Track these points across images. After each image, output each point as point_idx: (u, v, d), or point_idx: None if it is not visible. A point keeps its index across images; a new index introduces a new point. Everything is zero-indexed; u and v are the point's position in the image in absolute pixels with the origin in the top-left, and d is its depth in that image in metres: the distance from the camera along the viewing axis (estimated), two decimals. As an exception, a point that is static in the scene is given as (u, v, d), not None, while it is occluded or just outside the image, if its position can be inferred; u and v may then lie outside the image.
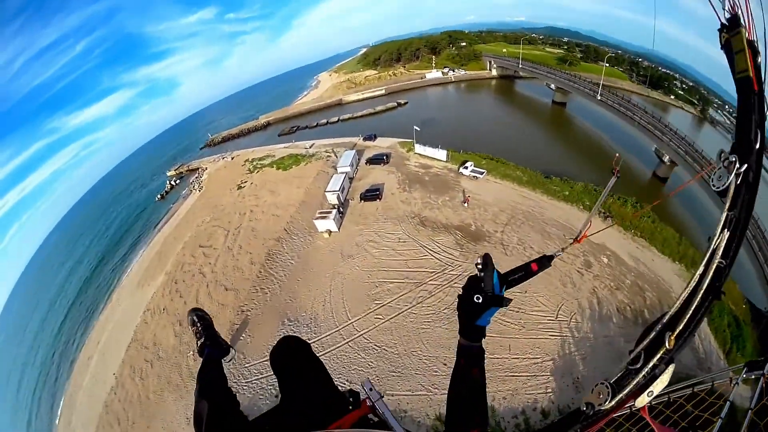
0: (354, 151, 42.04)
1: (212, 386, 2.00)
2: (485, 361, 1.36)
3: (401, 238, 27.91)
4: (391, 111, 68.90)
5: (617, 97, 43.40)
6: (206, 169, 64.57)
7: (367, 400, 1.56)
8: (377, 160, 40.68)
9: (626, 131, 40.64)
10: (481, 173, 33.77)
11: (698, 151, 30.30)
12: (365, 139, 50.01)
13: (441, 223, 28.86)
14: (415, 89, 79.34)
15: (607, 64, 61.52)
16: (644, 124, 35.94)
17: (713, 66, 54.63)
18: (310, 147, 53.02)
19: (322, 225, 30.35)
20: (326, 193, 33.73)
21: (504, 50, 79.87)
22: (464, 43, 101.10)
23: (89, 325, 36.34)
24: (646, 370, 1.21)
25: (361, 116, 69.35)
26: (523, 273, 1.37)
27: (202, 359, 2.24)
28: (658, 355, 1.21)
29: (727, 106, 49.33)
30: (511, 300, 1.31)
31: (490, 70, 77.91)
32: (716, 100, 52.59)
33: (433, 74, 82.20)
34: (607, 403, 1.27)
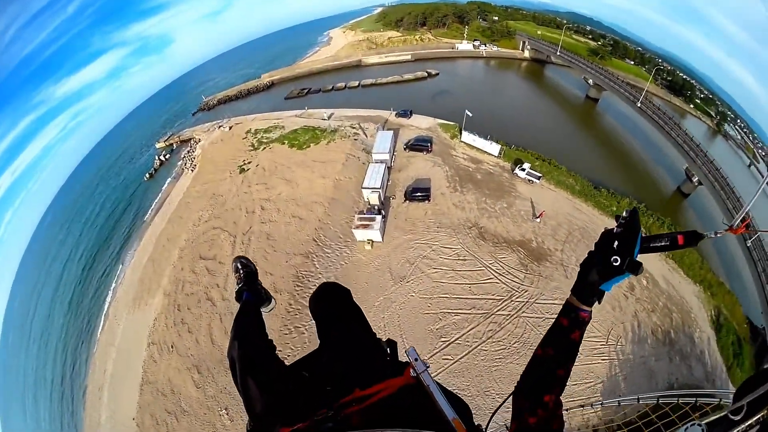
0: (392, 132, 32.89)
1: (247, 331, 1.83)
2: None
3: (460, 255, 23.00)
4: (421, 81, 58.51)
5: (654, 107, 40.80)
6: (199, 141, 54.32)
7: (410, 370, 1.37)
8: (419, 146, 32.84)
9: (655, 138, 39.16)
10: (537, 178, 28.93)
11: (725, 177, 30.04)
12: (399, 115, 40.89)
13: (502, 237, 24.51)
14: (444, 59, 69.51)
15: (633, 62, 65.03)
16: (680, 143, 34.45)
17: (731, 81, 61.69)
18: (329, 117, 42.61)
19: (363, 234, 23.47)
20: (364, 191, 25.62)
21: (538, 32, 73.61)
22: (496, 18, 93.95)
23: (91, 345, 31.30)
24: (746, 425, 1.05)
25: (386, 83, 58.48)
26: (668, 243, 1.17)
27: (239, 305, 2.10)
28: (764, 412, 1.05)
29: (739, 120, 51.30)
30: (643, 270, 1.08)
31: (523, 50, 69.89)
32: (730, 114, 53.54)
33: (464, 46, 73.33)
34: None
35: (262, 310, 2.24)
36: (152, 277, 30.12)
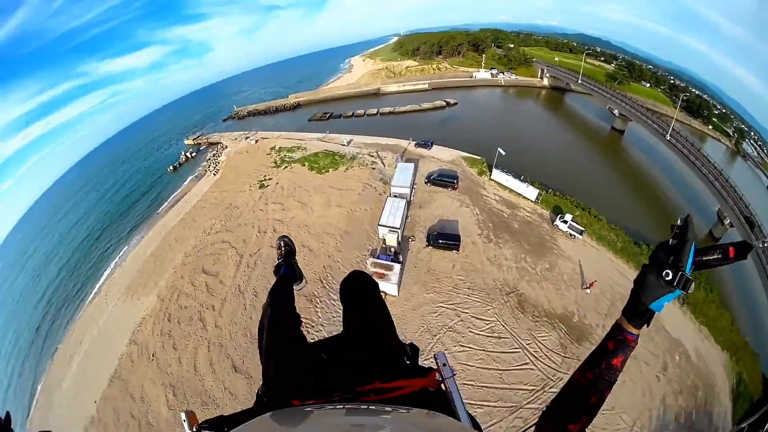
0: (413, 164, 29.43)
1: (280, 302, 1.81)
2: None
3: (495, 330, 17.39)
4: (440, 110, 54.65)
5: (683, 138, 35.69)
6: (226, 147, 52.07)
7: (436, 374, 1.26)
8: (444, 181, 27.93)
9: (684, 174, 33.59)
10: (580, 232, 23.32)
11: (759, 224, 24.58)
12: (418, 145, 36.94)
13: (543, 309, 18.99)
14: (461, 88, 65.12)
15: (648, 84, 57.48)
16: (711, 180, 30.10)
17: (740, 87, 53.46)
18: (349, 144, 40.65)
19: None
20: (380, 228, 21.57)
21: (555, 59, 68.38)
22: (512, 45, 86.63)
23: (75, 311, 29.41)
24: None
25: (404, 112, 55.49)
26: (720, 256, 0.97)
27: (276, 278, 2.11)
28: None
29: (753, 133, 45.04)
30: (693, 286, 0.89)
31: (542, 78, 64.66)
32: (745, 127, 46.64)
33: (482, 74, 68.08)
34: None
35: (294, 287, 2.14)
36: (151, 274, 27.25)
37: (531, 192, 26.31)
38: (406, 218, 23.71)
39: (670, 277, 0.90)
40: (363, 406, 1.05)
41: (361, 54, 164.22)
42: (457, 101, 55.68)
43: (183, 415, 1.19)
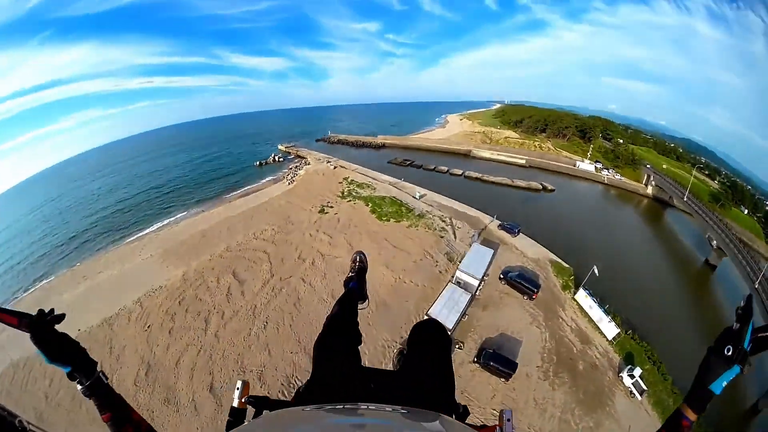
0: (491, 251, 24.62)
1: (344, 313, 1.85)
2: None
3: None
4: (534, 192, 48.61)
5: None
6: (308, 164, 55.38)
7: (497, 429, 1.22)
8: (522, 286, 22.41)
9: None
10: (641, 392, 18.37)
11: None
12: (502, 227, 30.73)
13: None
14: (561, 174, 58.71)
15: (748, 211, 51.19)
16: None
17: None
18: (421, 198, 38.59)
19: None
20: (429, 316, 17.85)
21: (663, 165, 62.87)
22: (621, 141, 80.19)
23: (112, 243, 33.03)
24: None
25: (493, 182, 50.39)
26: None
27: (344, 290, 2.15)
28: None
29: None
30: (752, 367, 0.93)
31: (647, 185, 56.20)
32: None
33: (586, 166, 60.88)
34: None
35: (359, 305, 2.16)
36: (190, 250, 27.67)
37: (610, 330, 20.77)
38: (462, 317, 19.24)
39: (730, 352, 0.90)
40: (363, 406, 1.03)
41: (459, 113, 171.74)
42: (554, 188, 49.59)
43: (239, 383, 1.30)
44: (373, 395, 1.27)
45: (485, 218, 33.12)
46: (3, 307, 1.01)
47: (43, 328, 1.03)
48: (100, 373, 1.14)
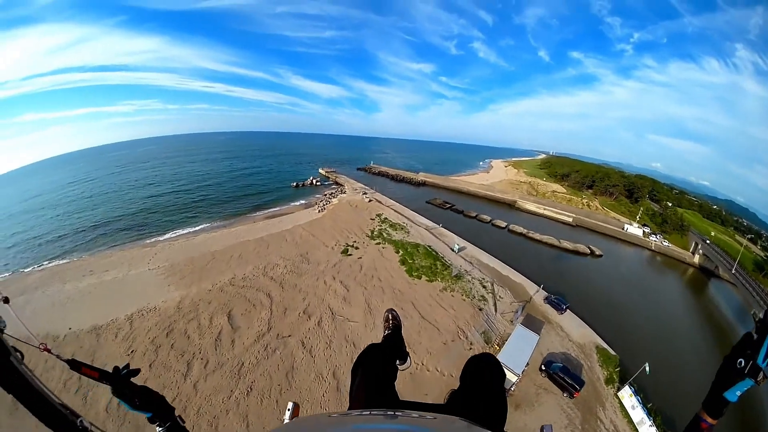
0: (536, 337, 18.81)
1: (384, 370, 1.65)
2: None
3: None
4: (581, 257, 42.43)
5: None
6: (344, 192, 53.19)
7: None
8: (563, 381, 18.02)
9: None
10: None
11: None
12: (549, 301, 25.39)
13: None
14: (608, 237, 52.88)
15: None
16: None
17: None
18: (459, 251, 33.12)
19: None
20: None
21: (712, 233, 58.89)
22: (669, 203, 76.30)
23: (127, 242, 32.38)
24: None
25: (539, 241, 44.75)
26: None
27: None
28: None
29: None
30: (766, 380, 0.94)
31: (693, 254, 49.90)
32: None
33: (633, 230, 55.78)
34: None
35: (398, 364, 1.93)
36: (195, 272, 24.84)
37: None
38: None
39: (742, 365, 0.93)
40: (389, 413, 1.02)
41: (504, 159, 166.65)
42: (602, 253, 43.67)
43: (290, 405, 1.36)
44: None
45: (530, 286, 27.27)
46: (86, 363, 1.10)
47: (121, 383, 1.16)
48: (178, 418, 1.29)
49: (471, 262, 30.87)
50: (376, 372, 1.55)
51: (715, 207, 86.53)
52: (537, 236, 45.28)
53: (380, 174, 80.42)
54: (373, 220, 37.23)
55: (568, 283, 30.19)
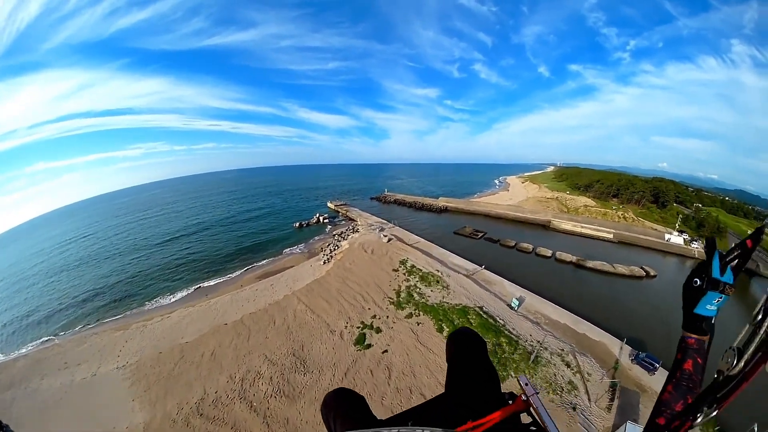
0: None
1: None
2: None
3: None
4: (636, 280, 33.61)
5: None
6: (357, 230, 44.28)
7: (522, 395, 1.33)
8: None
9: None
10: None
11: None
12: (637, 361, 17.44)
13: None
14: (652, 251, 44.94)
15: None
16: None
17: None
18: (518, 307, 22.81)
19: None
20: None
21: (748, 231, 42.54)
22: (699, 205, 71.35)
23: (106, 316, 27.13)
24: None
25: (591, 269, 35.32)
26: (741, 251, 1.06)
27: None
28: None
29: None
30: (733, 287, 1.02)
31: None
32: None
33: (676, 238, 49.39)
34: (734, 366, 0.99)
35: None
36: (161, 380, 16.82)
37: None
38: None
39: (698, 283, 1.03)
40: (419, 429, 1.01)
41: (517, 175, 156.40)
42: (656, 273, 35.96)
43: None
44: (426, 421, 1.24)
45: (611, 342, 19.77)
46: None
47: None
48: None
49: (538, 323, 21.18)
50: (350, 408, 1.43)
51: (735, 202, 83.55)
52: (590, 264, 36.31)
53: (396, 203, 71.74)
54: (397, 271, 27.62)
55: (639, 322, 23.77)
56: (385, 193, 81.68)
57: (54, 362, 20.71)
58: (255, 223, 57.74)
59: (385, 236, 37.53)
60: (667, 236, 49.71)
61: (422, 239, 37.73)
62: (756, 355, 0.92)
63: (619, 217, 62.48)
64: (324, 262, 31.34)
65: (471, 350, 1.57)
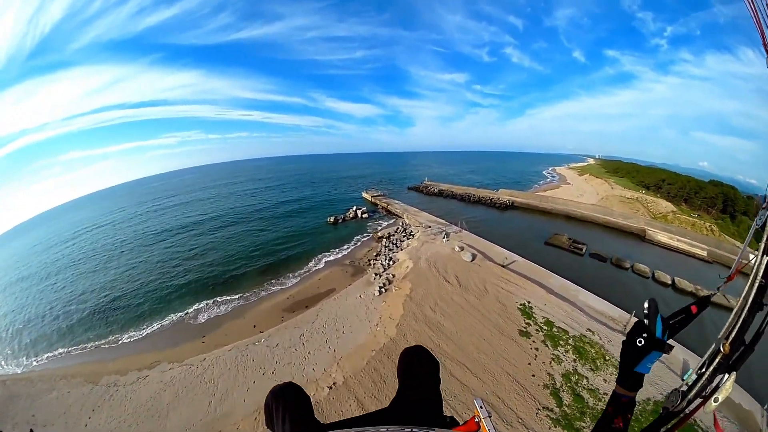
0: None
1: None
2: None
3: None
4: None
5: None
6: (410, 233, 31.93)
7: (474, 417, 1.27)
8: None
9: None
10: None
11: None
12: None
13: None
14: (740, 274, 26.41)
15: None
16: None
17: None
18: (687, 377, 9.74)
19: None
20: None
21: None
22: None
23: (88, 354, 17.48)
24: (708, 374, 1.18)
25: (718, 304, 20.65)
26: (684, 315, 1.18)
27: None
28: (717, 360, 1.18)
29: None
30: (673, 347, 1.09)
31: None
32: None
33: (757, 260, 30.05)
34: (677, 406, 1.21)
35: None
36: None
37: None
38: None
39: (642, 343, 1.05)
40: (407, 429, 1.01)
41: (566, 166, 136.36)
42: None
43: None
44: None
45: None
46: None
47: None
48: None
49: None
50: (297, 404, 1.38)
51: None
52: (726, 303, 20.15)
53: (441, 194, 58.50)
54: (527, 333, 15.10)
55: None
56: (426, 182, 68.44)
57: (20, 411, 13.64)
58: (283, 216, 46.95)
59: (460, 248, 24.94)
60: (751, 257, 34.60)
61: (516, 256, 24.78)
62: (696, 399, 1.09)
63: (707, 230, 47.12)
64: (380, 291, 19.47)
65: (422, 370, 1.53)
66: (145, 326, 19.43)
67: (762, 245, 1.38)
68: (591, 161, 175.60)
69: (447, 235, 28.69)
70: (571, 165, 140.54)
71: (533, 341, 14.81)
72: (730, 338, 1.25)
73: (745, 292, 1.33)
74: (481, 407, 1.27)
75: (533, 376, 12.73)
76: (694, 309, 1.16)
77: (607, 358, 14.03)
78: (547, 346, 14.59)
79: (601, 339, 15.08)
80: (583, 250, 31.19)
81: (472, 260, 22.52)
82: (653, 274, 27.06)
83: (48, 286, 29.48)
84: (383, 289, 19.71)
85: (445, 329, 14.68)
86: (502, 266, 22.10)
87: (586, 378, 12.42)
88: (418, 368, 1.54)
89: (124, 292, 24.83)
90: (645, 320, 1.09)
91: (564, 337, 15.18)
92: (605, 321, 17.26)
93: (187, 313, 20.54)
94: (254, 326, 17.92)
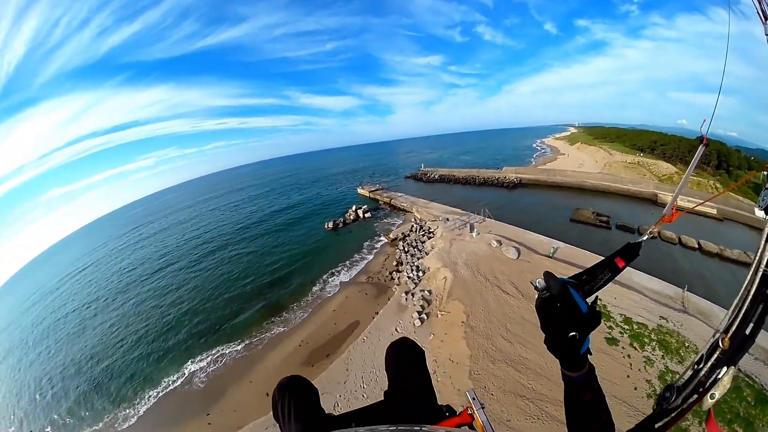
0: None
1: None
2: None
3: None
4: None
5: None
6: (429, 230, 28.90)
7: (468, 409, 1.30)
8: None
9: None
10: None
11: None
12: None
13: None
14: (747, 227, 30.37)
15: None
16: None
17: None
18: None
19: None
20: None
21: None
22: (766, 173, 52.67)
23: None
24: (706, 369, 1.08)
25: (735, 260, 22.31)
26: (610, 274, 0.94)
27: None
28: (715, 355, 1.09)
29: None
30: (600, 313, 0.92)
31: None
32: None
33: (759, 212, 30.11)
34: (673, 402, 1.10)
35: None
36: None
37: None
38: None
39: (578, 336, 0.87)
40: (416, 428, 0.98)
41: (551, 137, 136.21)
42: None
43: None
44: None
45: None
46: None
47: None
48: None
49: None
50: (304, 397, 1.42)
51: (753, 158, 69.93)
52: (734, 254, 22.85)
53: (443, 179, 55.70)
54: (614, 340, 12.87)
55: None
56: (423, 169, 65.25)
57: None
58: (273, 231, 42.03)
59: (497, 242, 22.26)
60: (756, 210, 35.06)
61: (556, 241, 22.29)
62: (692, 395, 1.01)
63: (712, 188, 47.30)
64: (420, 320, 16.34)
65: (410, 360, 1.52)
66: (137, 401, 15.76)
67: (765, 230, 1.21)
68: (573, 130, 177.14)
69: (472, 227, 25.88)
70: (557, 135, 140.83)
71: (622, 347, 12.60)
72: (730, 332, 1.12)
73: (747, 282, 1.18)
74: (474, 399, 1.26)
75: (635, 389, 10.80)
76: (620, 262, 0.95)
77: (687, 344, 12.90)
78: (635, 348, 12.57)
79: (675, 326, 13.25)
80: (610, 223, 29.30)
81: (518, 257, 19.84)
82: (680, 239, 25.65)
83: (34, 357, 24.44)
84: (423, 315, 16.57)
85: (530, 363, 11.98)
86: (549, 257, 19.54)
87: (677, 373, 10.08)
88: (406, 360, 1.52)
89: (111, 358, 20.31)
90: (542, 300, 0.86)
91: (646, 333, 13.33)
92: (666, 302, 15.58)
93: (184, 375, 16.85)
94: (267, 394, 14.38)
